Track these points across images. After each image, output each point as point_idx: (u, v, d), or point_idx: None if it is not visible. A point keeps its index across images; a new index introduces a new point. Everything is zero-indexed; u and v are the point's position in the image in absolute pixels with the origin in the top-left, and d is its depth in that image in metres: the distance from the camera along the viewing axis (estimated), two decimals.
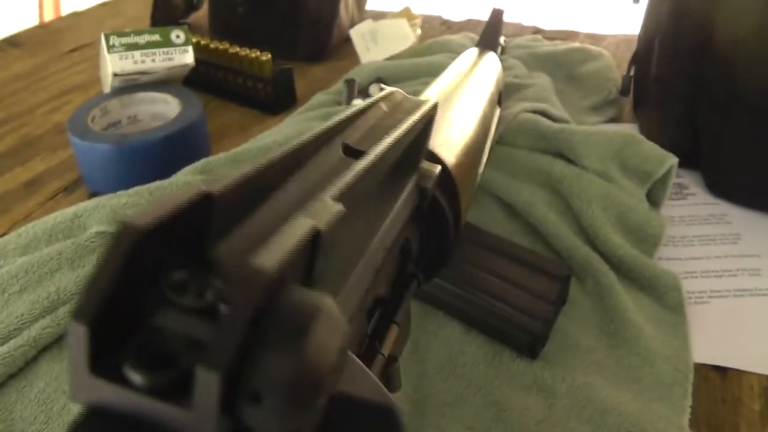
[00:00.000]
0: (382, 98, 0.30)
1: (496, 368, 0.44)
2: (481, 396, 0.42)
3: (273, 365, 0.14)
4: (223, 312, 0.15)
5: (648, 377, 0.43)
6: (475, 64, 0.54)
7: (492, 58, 0.59)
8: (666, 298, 0.49)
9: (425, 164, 0.32)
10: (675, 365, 0.44)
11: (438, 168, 0.32)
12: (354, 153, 0.25)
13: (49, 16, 1.89)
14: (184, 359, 0.15)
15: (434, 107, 0.31)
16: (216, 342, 0.13)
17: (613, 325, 0.47)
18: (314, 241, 0.17)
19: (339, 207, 0.18)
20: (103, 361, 0.15)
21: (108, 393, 0.14)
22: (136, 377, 0.14)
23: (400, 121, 0.27)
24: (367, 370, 0.19)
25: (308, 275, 0.17)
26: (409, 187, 0.30)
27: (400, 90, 0.33)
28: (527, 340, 0.44)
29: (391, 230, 0.28)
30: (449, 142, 0.37)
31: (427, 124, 0.30)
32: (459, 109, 0.43)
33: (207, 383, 0.13)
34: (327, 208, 0.18)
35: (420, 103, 0.31)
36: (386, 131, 0.26)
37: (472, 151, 0.41)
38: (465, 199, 0.37)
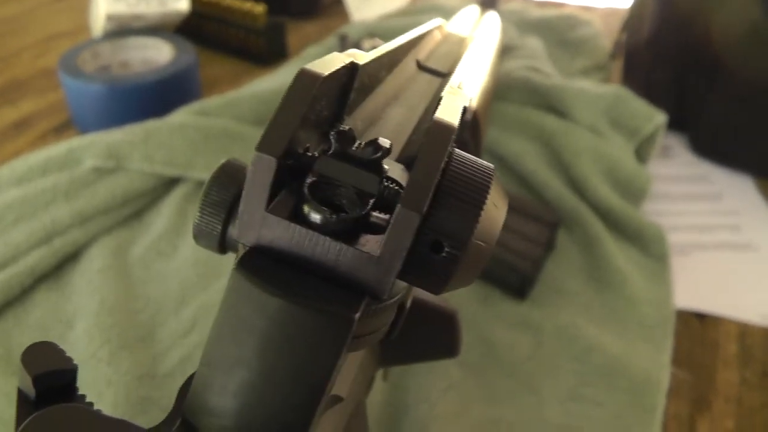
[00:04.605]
0: (435, 28, 0.32)
1: (486, 308, 0.46)
2: (472, 333, 0.43)
3: (458, 219, 0.14)
4: (387, 167, 0.15)
5: (632, 319, 0.45)
6: (481, 18, 0.55)
7: (494, 15, 0.60)
8: (651, 247, 0.51)
9: None
10: (658, 309, 0.46)
11: (471, 101, 0.33)
12: (424, 69, 0.26)
13: None
14: (351, 207, 0.14)
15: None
16: (414, 187, 0.13)
17: (599, 272, 0.48)
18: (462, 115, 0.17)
19: (466, 95, 0.18)
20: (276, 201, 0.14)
21: (281, 231, 0.14)
22: (317, 217, 0.14)
23: (456, 50, 0.31)
24: None
25: None
26: None
27: (445, 22, 0.35)
28: (517, 279, 0.45)
29: None
30: (471, 85, 0.38)
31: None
32: (475, 56, 0.44)
33: (405, 224, 0.13)
34: (459, 93, 0.18)
35: (463, 39, 0.34)
36: (446, 55, 0.30)
37: (488, 97, 0.42)
38: (483, 141, 0.38)
